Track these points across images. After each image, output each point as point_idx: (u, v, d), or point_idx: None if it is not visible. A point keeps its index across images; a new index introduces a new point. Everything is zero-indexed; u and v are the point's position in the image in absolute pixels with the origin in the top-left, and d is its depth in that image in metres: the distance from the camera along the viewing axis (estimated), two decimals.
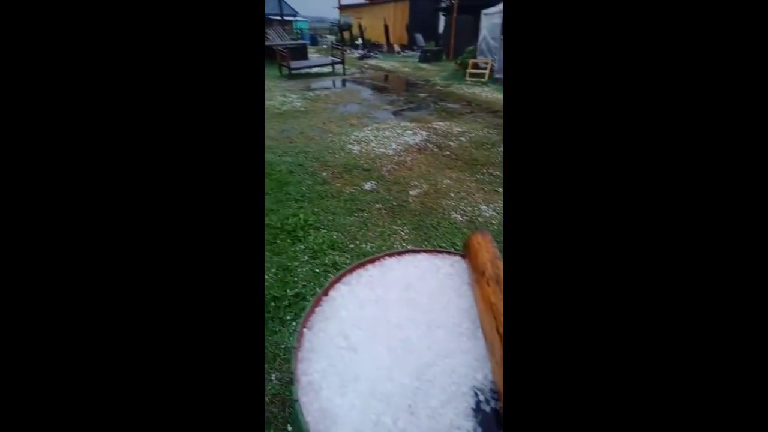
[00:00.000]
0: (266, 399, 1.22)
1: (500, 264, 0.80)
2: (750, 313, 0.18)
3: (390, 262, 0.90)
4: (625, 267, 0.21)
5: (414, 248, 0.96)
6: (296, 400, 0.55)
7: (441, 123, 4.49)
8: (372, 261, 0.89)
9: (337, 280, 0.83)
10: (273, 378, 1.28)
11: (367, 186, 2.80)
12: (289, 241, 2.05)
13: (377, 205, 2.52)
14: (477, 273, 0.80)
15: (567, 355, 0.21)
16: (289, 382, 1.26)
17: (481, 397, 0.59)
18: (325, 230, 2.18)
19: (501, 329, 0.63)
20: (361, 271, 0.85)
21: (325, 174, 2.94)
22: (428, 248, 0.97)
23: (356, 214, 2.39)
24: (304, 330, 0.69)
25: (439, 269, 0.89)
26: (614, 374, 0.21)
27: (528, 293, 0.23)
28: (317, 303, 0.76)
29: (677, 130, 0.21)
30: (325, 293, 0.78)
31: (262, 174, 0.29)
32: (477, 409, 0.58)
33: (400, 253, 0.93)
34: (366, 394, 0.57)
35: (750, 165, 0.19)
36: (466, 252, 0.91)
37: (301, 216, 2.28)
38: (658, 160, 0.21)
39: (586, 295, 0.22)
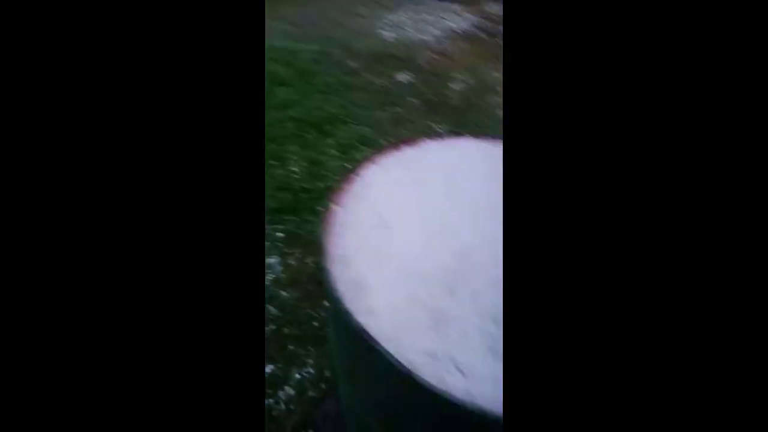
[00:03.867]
0: (305, 278, 1.29)
1: None
2: (750, 314, 0.18)
3: (430, 145, 0.78)
4: (629, 267, 0.21)
5: (459, 131, 0.83)
6: (326, 270, 0.51)
7: (495, 6, 3.75)
8: (408, 142, 0.78)
9: (369, 160, 0.74)
10: (309, 262, 1.33)
11: (401, 77, 2.51)
12: (315, 134, 1.95)
13: (412, 99, 2.28)
14: None
15: (570, 354, 0.21)
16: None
17: None
18: (354, 124, 2.03)
19: None
20: (396, 153, 0.75)
21: (353, 64, 2.63)
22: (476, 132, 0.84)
23: (388, 108, 2.19)
24: (334, 207, 0.63)
25: (488, 154, 0.77)
26: (617, 376, 0.21)
27: (531, 292, 0.22)
28: (347, 182, 0.69)
29: (677, 132, 0.21)
30: (356, 173, 0.71)
31: (261, 171, 0.29)
32: None
33: (440, 136, 0.81)
34: (400, 271, 0.53)
35: (750, 165, 0.19)
36: None
37: (328, 109, 2.11)
38: (658, 160, 0.21)
39: (589, 298, 0.21)
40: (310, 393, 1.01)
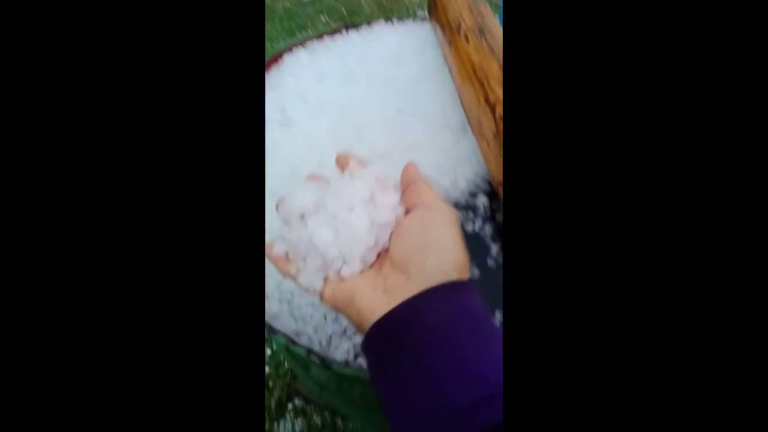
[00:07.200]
0: None
1: (484, 9, 0.50)
2: (751, 313, 0.18)
3: (384, 30, 0.62)
4: (629, 266, 0.20)
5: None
6: None
7: None
8: (356, 26, 0.62)
9: (300, 43, 0.60)
10: None
11: None
12: None
13: (323, 18, 2.01)
14: (450, 33, 0.51)
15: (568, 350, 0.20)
16: None
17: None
18: None
19: (490, 95, 0.41)
20: (336, 37, 0.60)
21: None
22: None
23: (299, 35, 1.89)
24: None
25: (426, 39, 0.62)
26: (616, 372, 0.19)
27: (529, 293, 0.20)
28: (266, 68, 0.55)
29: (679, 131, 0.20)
30: (277, 57, 0.57)
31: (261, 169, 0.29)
32: None
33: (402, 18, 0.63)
34: (287, 175, 0.43)
35: (750, 166, 0.18)
36: (432, 12, 0.59)
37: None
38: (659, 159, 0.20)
39: (589, 297, 0.20)
40: (286, 365, 0.93)
